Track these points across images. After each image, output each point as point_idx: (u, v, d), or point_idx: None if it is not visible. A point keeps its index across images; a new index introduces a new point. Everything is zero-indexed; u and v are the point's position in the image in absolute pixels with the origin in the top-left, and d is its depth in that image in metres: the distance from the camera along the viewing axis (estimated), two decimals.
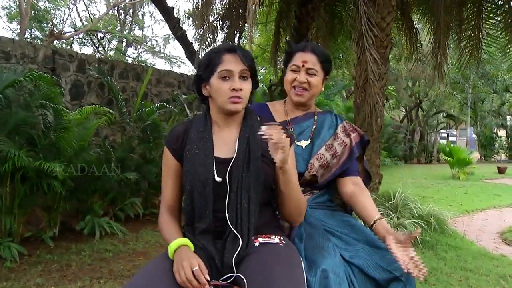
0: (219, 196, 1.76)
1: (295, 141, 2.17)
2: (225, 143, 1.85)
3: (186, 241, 1.73)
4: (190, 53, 7.54)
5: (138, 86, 8.10)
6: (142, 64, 16.32)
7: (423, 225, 5.47)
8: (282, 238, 1.85)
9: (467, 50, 6.83)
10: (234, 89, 1.78)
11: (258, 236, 1.80)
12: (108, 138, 7.26)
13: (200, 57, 6.68)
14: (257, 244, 1.77)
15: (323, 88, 2.30)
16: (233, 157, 1.79)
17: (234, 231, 1.73)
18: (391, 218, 5.31)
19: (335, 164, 2.19)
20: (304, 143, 2.22)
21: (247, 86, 1.81)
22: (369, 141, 2.31)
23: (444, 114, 28.03)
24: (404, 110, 26.30)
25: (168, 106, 7.37)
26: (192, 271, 1.59)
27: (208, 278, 1.60)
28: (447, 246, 5.20)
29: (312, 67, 2.17)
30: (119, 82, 7.83)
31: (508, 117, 25.21)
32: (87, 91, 7.18)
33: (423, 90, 21.87)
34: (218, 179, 1.76)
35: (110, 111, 5.98)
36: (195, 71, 2.07)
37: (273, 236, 1.83)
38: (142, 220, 6.49)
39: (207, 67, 1.84)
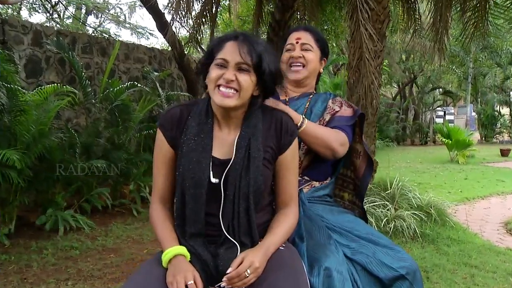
0: (212, 199, 1.76)
1: None
2: (225, 142, 1.83)
3: (183, 250, 1.73)
4: (163, 25, 7.42)
5: (104, 62, 8.00)
6: (106, 35, 16.04)
7: (423, 216, 5.55)
8: None
9: (471, 22, 6.82)
10: (224, 79, 1.75)
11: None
12: (71, 121, 7.17)
13: (174, 29, 6.60)
14: None
15: (321, 70, 2.45)
16: (231, 159, 1.78)
17: (232, 239, 1.74)
18: (388, 210, 5.37)
19: None
20: None
21: (244, 78, 1.75)
22: (364, 116, 2.40)
23: (441, 90, 28.16)
24: (396, 87, 26.40)
25: (138, 84, 7.28)
26: (186, 285, 1.60)
27: None
28: (449, 240, 5.28)
29: (306, 42, 2.36)
30: (82, 58, 7.71)
31: None
32: (46, 67, 7.05)
33: (418, 64, 21.89)
34: (214, 180, 1.75)
35: (74, 90, 5.87)
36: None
37: None
38: (111, 212, 6.47)
39: (209, 54, 1.82)
